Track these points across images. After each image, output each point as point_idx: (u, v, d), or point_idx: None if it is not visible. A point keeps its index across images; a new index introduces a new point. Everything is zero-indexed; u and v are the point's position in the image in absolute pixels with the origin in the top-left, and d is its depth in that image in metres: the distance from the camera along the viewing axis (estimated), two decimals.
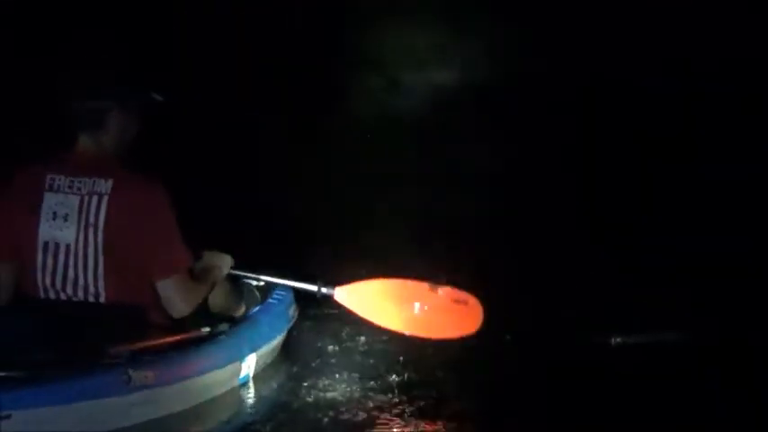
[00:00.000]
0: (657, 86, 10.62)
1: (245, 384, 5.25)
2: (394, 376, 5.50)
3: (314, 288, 5.58)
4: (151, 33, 9.45)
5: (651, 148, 10.05)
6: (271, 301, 5.72)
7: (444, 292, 5.48)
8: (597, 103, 10.82)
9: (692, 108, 10.42)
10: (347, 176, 9.32)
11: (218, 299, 5.35)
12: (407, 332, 5.48)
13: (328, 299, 5.55)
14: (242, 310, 5.56)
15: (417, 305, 5.48)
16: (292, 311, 5.83)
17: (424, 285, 5.51)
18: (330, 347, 5.79)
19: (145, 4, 9.95)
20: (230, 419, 4.95)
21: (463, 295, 5.47)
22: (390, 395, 5.23)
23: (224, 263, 5.33)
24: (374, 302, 5.53)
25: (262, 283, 5.85)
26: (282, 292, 5.81)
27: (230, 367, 5.14)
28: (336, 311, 5.85)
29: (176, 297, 4.81)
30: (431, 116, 10.61)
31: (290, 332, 5.82)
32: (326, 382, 5.37)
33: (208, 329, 5.08)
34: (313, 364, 5.65)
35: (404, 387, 5.35)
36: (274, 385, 5.37)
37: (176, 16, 10.01)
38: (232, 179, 8.98)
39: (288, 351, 5.79)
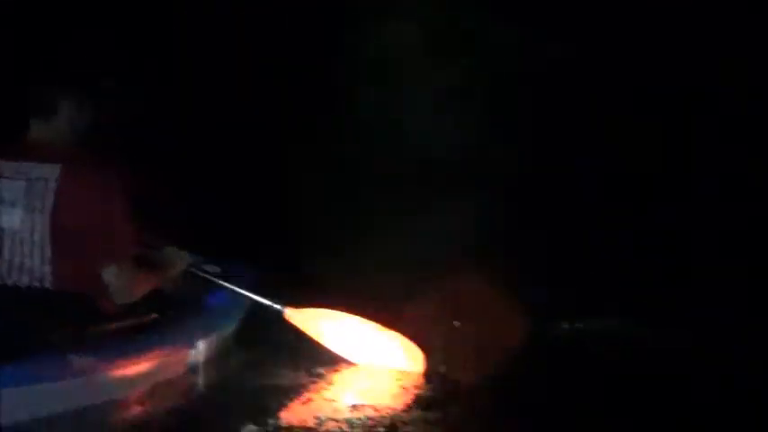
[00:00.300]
0: None
1: (194, 371, 5.28)
2: (344, 364, 5.53)
3: (266, 302, 5.71)
4: (150, 31, 9.44)
5: None
6: (225, 289, 5.75)
7: (391, 336, 5.57)
8: None
9: None
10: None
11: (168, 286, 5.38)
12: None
13: (279, 314, 5.66)
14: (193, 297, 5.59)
15: (357, 344, 5.58)
16: (246, 301, 5.86)
17: (372, 326, 5.62)
18: (283, 336, 5.79)
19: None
20: (178, 405, 4.94)
21: (408, 345, 5.53)
22: (340, 383, 5.28)
23: (180, 260, 5.37)
24: (320, 330, 5.64)
25: (218, 270, 5.91)
26: (237, 282, 5.84)
27: (179, 353, 5.17)
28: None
29: (119, 284, 4.82)
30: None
31: (244, 320, 5.84)
32: (278, 370, 5.39)
33: (156, 315, 5.11)
34: (265, 352, 5.66)
35: (354, 375, 5.38)
36: (225, 372, 5.39)
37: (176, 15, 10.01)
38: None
39: (241, 339, 5.80)
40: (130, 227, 4.85)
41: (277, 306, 5.70)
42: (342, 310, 5.71)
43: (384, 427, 4.63)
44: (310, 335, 5.63)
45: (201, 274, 5.66)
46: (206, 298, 5.67)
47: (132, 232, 4.86)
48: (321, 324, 5.65)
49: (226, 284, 5.70)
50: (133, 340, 4.90)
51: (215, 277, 5.77)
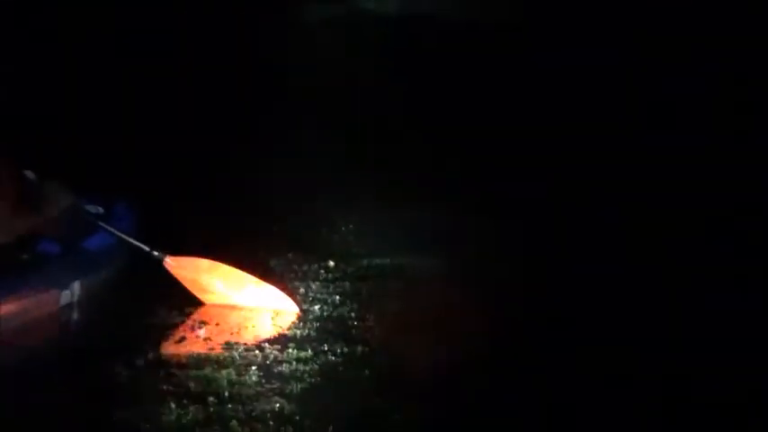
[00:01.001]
0: None
1: (69, 310, 5.27)
2: (219, 307, 5.53)
3: (146, 249, 5.66)
4: None
5: None
6: (105, 232, 5.72)
7: (267, 290, 5.55)
8: None
9: None
10: None
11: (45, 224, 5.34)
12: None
13: (159, 263, 5.61)
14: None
15: (236, 296, 5.55)
16: (126, 245, 5.83)
17: (250, 278, 5.59)
18: (162, 280, 5.78)
19: None
20: (50, 343, 4.97)
21: (284, 298, 5.51)
22: (215, 323, 5.27)
23: (61, 197, 5.32)
24: (198, 281, 5.58)
25: (101, 211, 5.88)
26: (119, 223, 5.82)
27: (51, 294, 5.15)
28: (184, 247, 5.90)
29: None
30: None
31: (121, 263, 5.82)
32: (153, 311, 5.35)
33: (27, 256, 5.08)
34: (141, 294, 5.62)
35: (228, 316, 5.42)
36: (99, 312, 5.37)
37: None
38: None
39: (118, 280, 5.77)
40: (6, 162, 4.80)
41: (156, 254, 5.65)
42: (220, 261, 5.68)
43: (256, 365, 4.66)
44: (187, 286, 5.60)
45: (85, 215, 5.60)
46: (85, 239, 5.62)
47: (7, 167, 4.81)
48: (200, 276, 5.60)
49: (106, 227, 5.65)
50: (5, 278, 4.86)
51: (97, 219, 5.74)
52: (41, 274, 5.14)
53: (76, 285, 5.33)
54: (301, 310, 5.45)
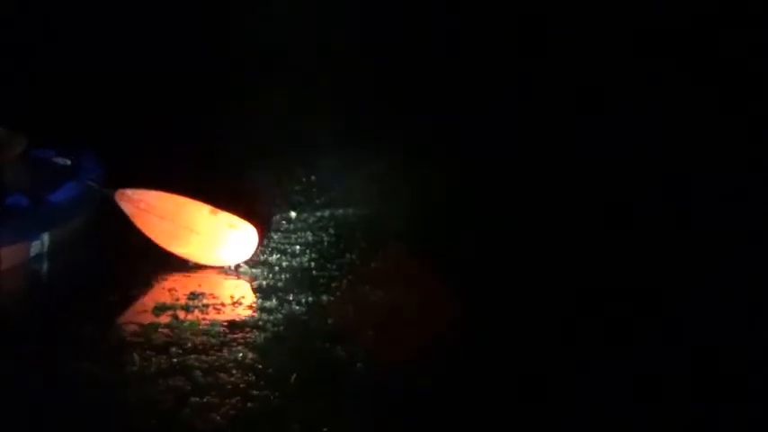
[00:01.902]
0: None
1: (39, 262, 5.36)
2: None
3: (94, 185, 5.73)
4: None
5: None
6: (73, 182, 5.80)
7: (222, 217, 5.56)
8: None
9: None
10: None
11: (12, 177, 5.40)
12: (174, 251, 5.52)
13: (109, 198, 5.63)
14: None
15: (193, 224, 5.52)
16: (95, 194, 5.91)
17: (206, 208, 5.58)
18: (130, 231, 5.84)
19: None
20: (19, 294, 5.07)
21: (240, 222, 5.56)
22: (181, 278, 5.31)
23: (15, 143, 5.38)
24: (151, 213, 5.57)
25: (69, 163, 5.95)
26: (86, 175, 5.90)
27: (22, 244, 5.24)
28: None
29: None
30: None
31: (88, 215, 5.90)
32: (119, 263, 5.44)
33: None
34: (113, 246, 5.70)
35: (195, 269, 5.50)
36: (67, 264, 5.45)
37: None
38: None
39: (85, 233, 5.86)
40: None
41: (106, 191, 5.69)
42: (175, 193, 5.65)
43: (220, 315, 4.76)
44: (137, 223, 5.57)
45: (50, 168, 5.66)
46: (51, 193, 5.69)
47: None
48: (155, 210, 5.57)
49: (62, 161, 5.65)
50: None
51: (65, 169, 5.82)
52: (12, 226, 5.21)
53: (46, 237, 5.42)
54: (261, 242, 5.51)
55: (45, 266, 5.36)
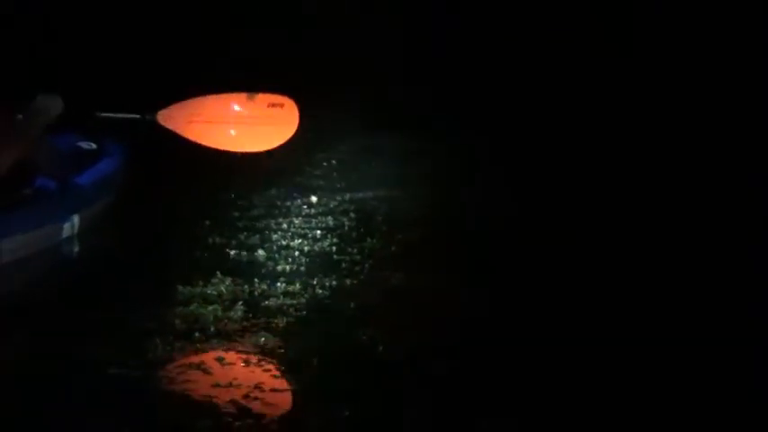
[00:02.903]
0: None
1: (69, 244, 5.47)
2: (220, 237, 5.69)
3: (137, 116, 5.71)
4: None
5: None
6: (99, 165, 5.89)
7: (260, 98, 5.60)
8: None
9: None
10: None
11: (42, 161, 5.49)
12: (232, 148, 5.59)
13: (156, 125, 5.65)
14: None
15: (237, 116, 5.56)
16: (120, 177, 6.01)
17: (242, 96, 5.64)
18: (161, 215, 5.91)
19: None
20: (52, 276, 5.18)
21: (279, 98, 5.59)
22: (220, 266, 5.31)
23: (54, 106, 5.43)
24: (196, 121, 5.62)
25: (94, 147, 6.04)
26: (112, 158, 5.99)
27: (51, 227, 5.35)
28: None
29: None
30: None
31: (118, 195, 6.00)
32: (155, 246, 5.54)
33: (29, 191, 5.25)
34: (142, 228, 5.81)
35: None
36: (99, 247, 5.56)
37: None
38: None
39: (116, 213, 5.96)
40: None
41: (149, 116, 5.70)
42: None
43: (242, 300, 4.78)
44: (189, 137, 5.62)
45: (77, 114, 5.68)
46: (78, 175, 5.78)
47: None
48: (196, 117, 5.61)
49: (103, 114, 5.68)
50: (9, 213, 5.06)
51: (90, 153, 5.91)
52: (43, 208, 5.33)
53: (76, 219, 5.52)
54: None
55: (76, 248, 5.46)
